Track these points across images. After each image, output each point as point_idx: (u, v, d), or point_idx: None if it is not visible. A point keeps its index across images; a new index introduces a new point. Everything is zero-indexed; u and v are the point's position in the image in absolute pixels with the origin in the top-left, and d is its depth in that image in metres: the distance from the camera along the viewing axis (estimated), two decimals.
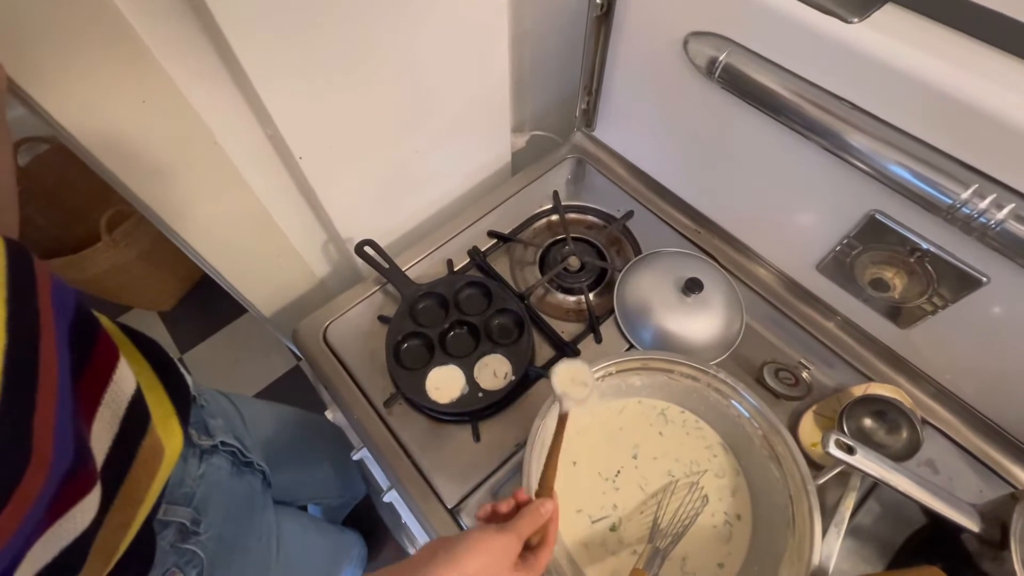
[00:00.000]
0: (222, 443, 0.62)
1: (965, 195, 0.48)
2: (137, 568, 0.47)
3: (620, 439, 0.63)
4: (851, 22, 0.50)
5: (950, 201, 0.49)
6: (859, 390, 0.66)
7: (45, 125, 0.52)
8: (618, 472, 0.61)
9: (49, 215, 1.51)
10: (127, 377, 0.42)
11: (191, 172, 0.63)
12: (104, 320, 0.46)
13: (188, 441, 0.57)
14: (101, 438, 0.39)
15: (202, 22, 0.51)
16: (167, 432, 0.48)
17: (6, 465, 0.28)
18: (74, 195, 1.53)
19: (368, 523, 1.24)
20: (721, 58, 0.60)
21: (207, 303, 1.75)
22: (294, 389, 1.60)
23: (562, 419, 0.52)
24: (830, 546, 0.56)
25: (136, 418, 0.42)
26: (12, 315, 0.30)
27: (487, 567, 0.41)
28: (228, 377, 1.62)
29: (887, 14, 0.51)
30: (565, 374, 0.53)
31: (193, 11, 0.50)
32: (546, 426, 0.57)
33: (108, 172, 0.57)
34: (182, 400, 0.51)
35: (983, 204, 0.47)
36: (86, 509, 0.36)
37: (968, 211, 0.48)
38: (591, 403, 0.53)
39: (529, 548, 0.46)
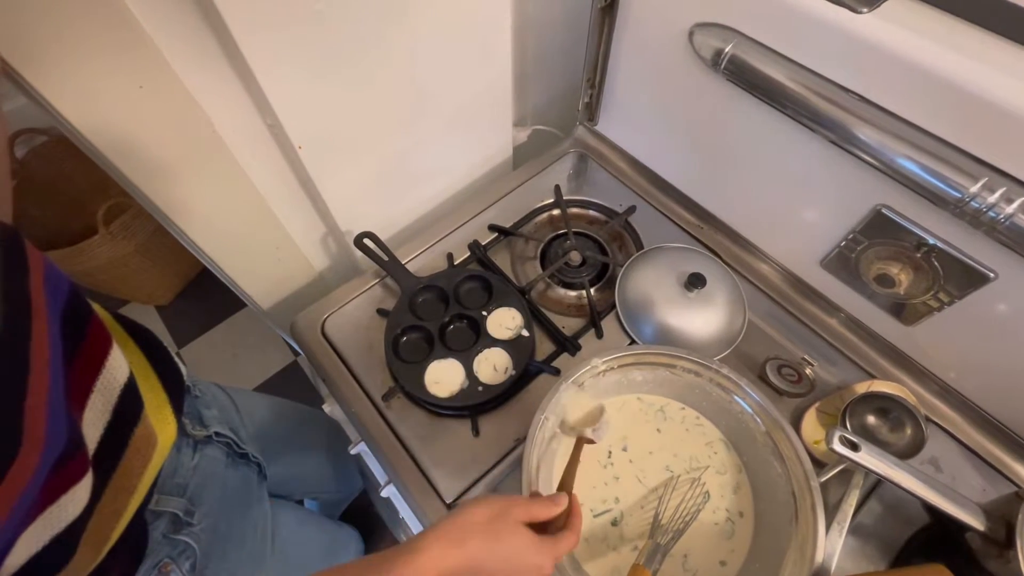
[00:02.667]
0: (216, 434, 0.61)
1: (974, 189, 0.47)
2: (129, 558, 0.46)
3: (616, 432, 0.62)
4: (861, 12, 0.50)
5: (959, 195, 0.49)
6: (862, 387, 0.66)
7: (43, 117, 0.51)
8: (609, 453, 0.61)
9: (46, 207, 1.50)
10: (120, 364, 0.41)
11: (189, 161, 0.63)
12: (97, 308, 0.45)
13: (182, 431, 0.56)
14: (93, 425, 0.38)
15: (202, 8, 0.51)
16: (160, 421, 0.47)
17: None
18: (71, 187, 1.52)
19: (365, 519, 1.23)
20: (727, 49, 0.60)
21: (205, 298, 1.74)
22: (291, 385, 1.59)
23: (580, 442, 0.56)
24: (833, 544, 0.55)
25: (129, 406, 0.42)
26: (4, 297, 0.30)
27: (491, 518, 0.42)
28: (225, 372, 1.61)
29: (897, 4, 0.50)
30: (579, 409, 0.59)
31: None
32: (546, 422, 0.57)
33: (105, 160, 0.56)
34: (176, 388, 0.51)
35: (992, 198, 0.47)
36: (78, 496, 0.35)
37: (977, 205, 0.48)
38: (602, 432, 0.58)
39: (548, 532, 0.46)
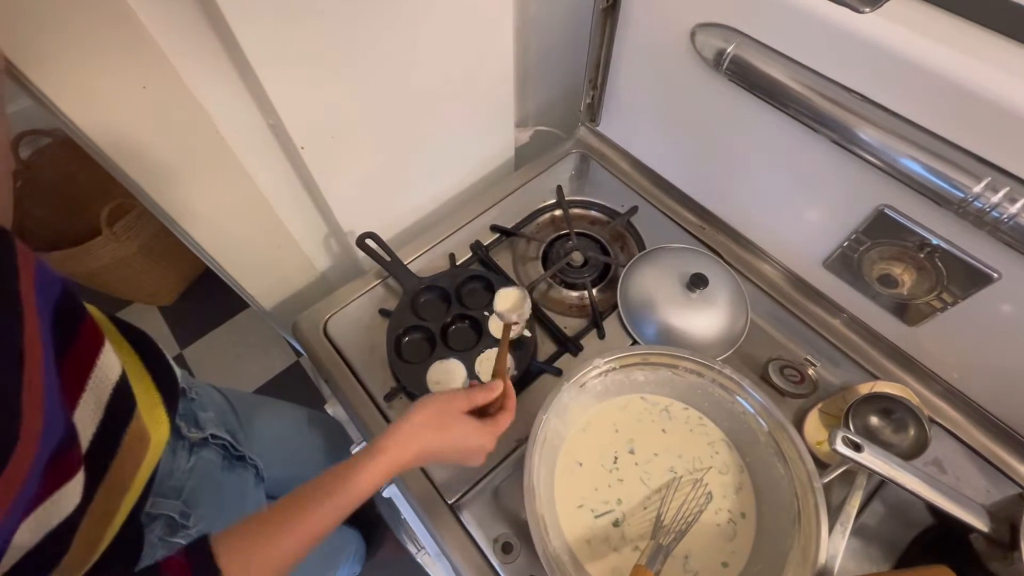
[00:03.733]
0: (212, 436, 0.61)
1: (977, 188, 0.47)
2: (124, 560, 0.46)
3: (623, 435, 0.62)
4: (863, 12, 0.50)
5: (962, 195, 0.48)
6: (865, 388, 0.65)
7: (47, 118, 0.51)
8: (615, 458, 0.61)
9: (50, 208, 1.50)
10: (112, 363, 0.42)
11: (193, 162, 0.63)
12: (92, 309, 0.45)
13: (177, 433, 0.56)
14: (85, 423, 0.39)
15: (205, 8, 0.51)
16: (153, 420, 0.47)
17: None
18: (75, 188, 1.53)
19: (366, 520, 1.23)
20: (729, 50, 0.60)
21: (207, 298, 1.74)
22: (293, 385, 1.59)
23: (507, 327, 0.61)
24: (835, 545, 0.55)
25: (121, 404, 0.42)
26: None
27: (437, 413, 0.49)
28: (228, 372, 1.62)
29: (900, 3, 0.50)
30: (507, 298, 0.65)
31: None
32: (548, 422, 0.57)
33: (108, 161, 0.56)
34: (169, 389, 0.51)
35: (996, 198, 0.47)
36: (70, 493, 0.36)
37: (980, 205, 0.48)
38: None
39: (489, 415, 0.54)
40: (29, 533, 0.33)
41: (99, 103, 0.52)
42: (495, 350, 0.69)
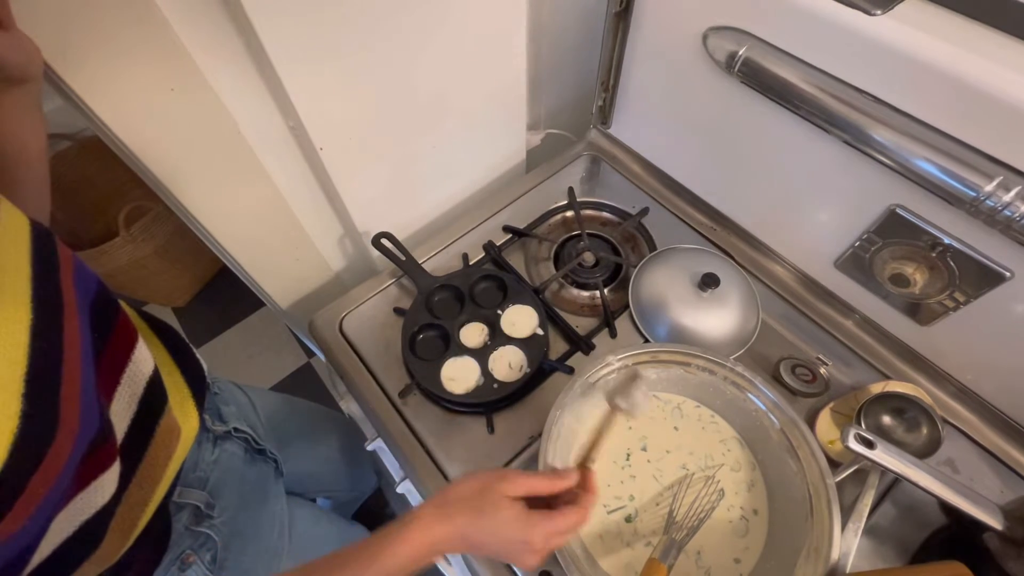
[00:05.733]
0: (235, 429, 0.63)
1: (989, 188, 0.48)
2: (153, 548, 0.47)
3: (635, 432, 0.63)
4: (874, 14, 0.50)
5: (974, 194, 0.49)
6: (877, 388, 0.65)
7: (68, 122, 0.53)
8: (628, 455, 0.61)
9: (68, 210, 1.53)
10: (145, 358, 0.43)
11: (216, 163, 0.64)
12: (123, 305, 0.47)
13: (202, 426, 0.57)
14: (120, 416, 0.40)
15: (230, 10, 0.52)
16: (183, 414, 0.49)
17: (36, 433, 0.29)
18: (93, 191, 1.56)
19: (377, 520, 1.24)
20: (741, 52, 0.61)
21: (220, 300, 1.76)
22: (304, 386, 1.61)
23: (612, 413, 0.54)
24: (848, 544, 0.55)
25: (154, 398, 0.43)
26: (36, 292, 0.31)
27: (478, 491, 0.42)
28: (240, 373, 1.63)
29: (911, 6, 0.51)
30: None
31: None
32: (562, 419, 0.57)
33: (137, 162, 0.58)
34: (198, 384, 0.52)
35: (1008, 196, 0.47)
36: (106, 483, 0.37)
37: (992, 204, 0.48)
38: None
39: (549, 507, 0.45)
40: (66, 521, 0.34)
41: (131, 105, 0.53)
42: (509, 347, 0.69)
